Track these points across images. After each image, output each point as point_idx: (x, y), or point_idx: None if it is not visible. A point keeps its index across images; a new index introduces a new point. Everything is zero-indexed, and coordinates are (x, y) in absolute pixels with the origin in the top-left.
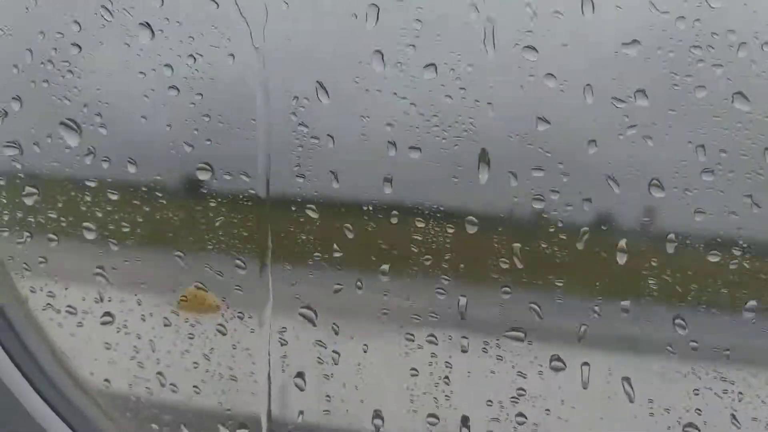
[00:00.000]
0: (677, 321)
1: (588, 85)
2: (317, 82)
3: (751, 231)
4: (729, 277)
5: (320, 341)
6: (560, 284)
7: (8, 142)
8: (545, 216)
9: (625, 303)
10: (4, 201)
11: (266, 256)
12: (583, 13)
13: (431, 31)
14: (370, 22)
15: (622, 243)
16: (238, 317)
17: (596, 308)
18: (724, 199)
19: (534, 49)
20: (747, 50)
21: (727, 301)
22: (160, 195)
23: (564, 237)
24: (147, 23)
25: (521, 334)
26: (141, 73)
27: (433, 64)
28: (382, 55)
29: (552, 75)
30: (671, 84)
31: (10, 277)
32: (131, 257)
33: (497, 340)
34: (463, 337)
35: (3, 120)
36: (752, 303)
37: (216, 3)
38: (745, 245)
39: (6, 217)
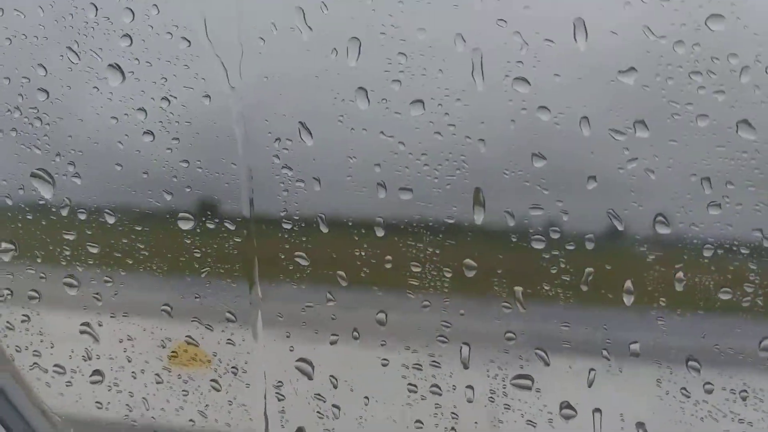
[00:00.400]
0: (690, 363)
1: (584, 117)
2: (299, 122)
3: (763, 266)
4: (740, 315)
5: (319, 395)
6: (566, 328)
7: None
8: (546, 257)
9: (635, 346)
10: None
11: (256, 306)
12: (575, 40)
13: (417, 64)
14: (351, 58)
15: (628, 283)
16: (232, 372)
17: (604, 351)
18: (733, 234)
19: (525, 80)
20: (750, 75)
21: (740, 338)
22: (141, 246)
23: (567, 278)
24: (116, 65)
25: (528, 382)
26: (113, 118)
27: (420, 100)
28: (366, 92)
29: (545, 107)
30: (671, 113)
31: None
32: (117, 312)
33: (504, 388)
34: (468, 386)
35: None
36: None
37: (188, 41)
38: (757, 281)
39: None
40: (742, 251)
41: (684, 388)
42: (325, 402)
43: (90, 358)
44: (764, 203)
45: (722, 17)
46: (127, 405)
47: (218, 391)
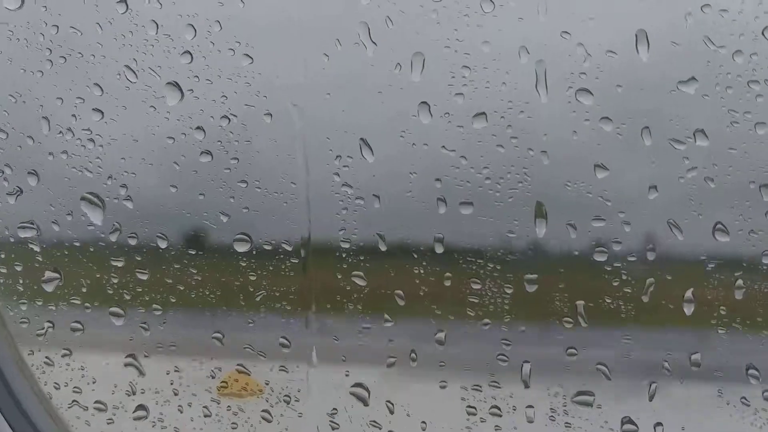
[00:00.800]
0: (750, 371)
1: (645, 127)
2: (360, 139)
3: None
4: None
5: (374, 422)
6: (628, 341)
7: (24, 222)
8: (608, 268)
9: (696, 356)
10: (20, 289)
11: (312, 330)
12: (637, 51)
13: (480, 77)
14: (415, 72)
15: (689, 293)
16: (284, 401)
17: (666, 363)
18: None
19: (589, 91)
20: None
21: None
22: (194, 272)
23: (629, 290)
24: (175, 83)
25: (590, 398)
26: (170, 138)
27: (483, 113)
28: (429, 107)
29: (608, 118)
30: (731, 122)
31: (30, 374)
32: (165, 342)
33: (564, 406)
34: (528, 406)
35: (17, 198)
36: None
37: (250, 57)
38: None
39: (24, 307)
40: None
41: (744, 398)
42: (380, 429)
43: (134, 393)
44: None
45: None
46: None
47: (269, 422)
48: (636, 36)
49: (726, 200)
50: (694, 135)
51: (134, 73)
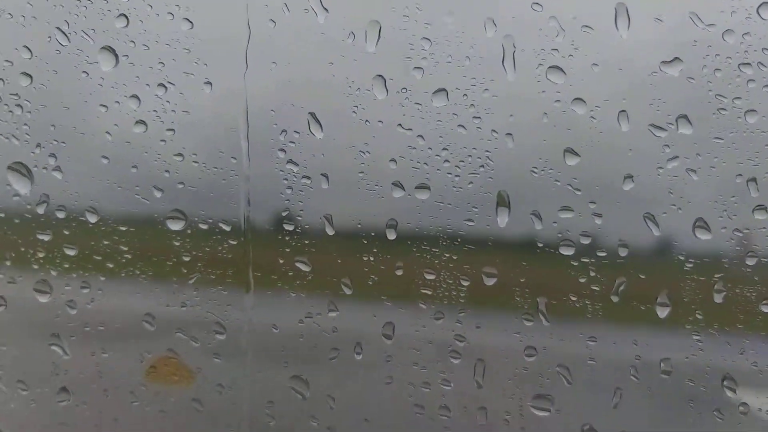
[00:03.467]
0: (726, 382)
1: (623, 111)
2: (309, 113)
3: None
4: None
5: (313, 416)
6: (592, 343)
7: None
8: (575, 264)
9: (667, 363)
10: None
11: (248, 317)
12: (617, 27)
13: (442, 51)
14: (370, 43)
15: (663, 296)
16: (217, 391)
17: (633, 369)
18: None
19: (561, 69)
20: None
21: None
22: (125, 249)
23: (597, 288)
24: (110, 47)
25: (548, 403)
26: (102, 106)
27: (443, 90)
28: (385, 81)
29: (581, 100)
30: (718, 108)
31: None
32: (92, 322)
33: (521, 409)
34: (481, 407)
35: None
36: None
37: (190, 22)
38: None
39: None
40: None
41: (718, 410)
42: (318, 424)
43: (57, 374)
44: None
45: None
46: (95, 425)
47: (199, 411)
48: (615, 10)
49: (709, 194)
50: (676, 121)
51: (66, 36)
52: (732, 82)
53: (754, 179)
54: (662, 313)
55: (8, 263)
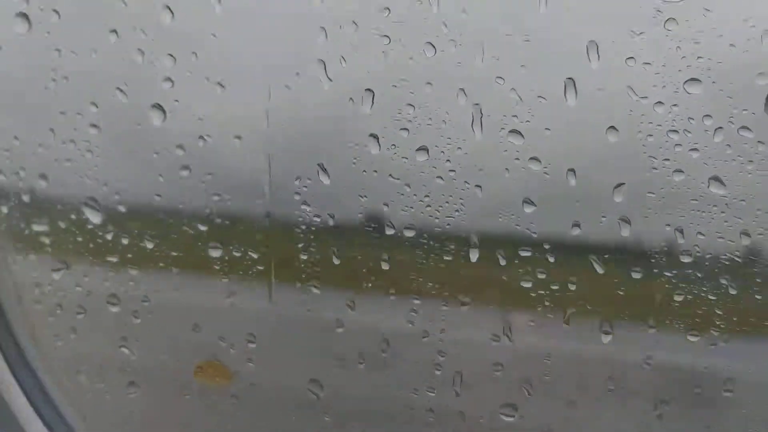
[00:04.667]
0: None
1: (571, 168)
2: (318, 164)
3: (726, 313)
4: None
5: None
6: (548, 361)
7: (36, 219)
8: (533, 295)
9: (611, 383)
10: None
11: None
12: (566, 98)
13: (423, 115)
14: (366, 106)
15: (607, 325)
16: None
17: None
18: (702, 281)
19: (519, 133)
20: (723, 135)
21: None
22: (176, 271)
23: (551, 316)
24: (159, 105)
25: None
26: (155, 153)
27: (425, 147)
28: (378, 139)
29: (536, 158)
30: (650, 167)
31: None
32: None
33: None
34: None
35: (31, 197)
36: None
37: (221, 86)
38: (722, 326)
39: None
40: (710, 298)
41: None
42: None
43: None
44: (732, 254)
45: (699, 81)
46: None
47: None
48: (564, 84)
49: (643, 241)
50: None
51: (125, 94)
52: (662, 146)
53: (680, 229)
54: (606, 339)
55: (86, 278)
